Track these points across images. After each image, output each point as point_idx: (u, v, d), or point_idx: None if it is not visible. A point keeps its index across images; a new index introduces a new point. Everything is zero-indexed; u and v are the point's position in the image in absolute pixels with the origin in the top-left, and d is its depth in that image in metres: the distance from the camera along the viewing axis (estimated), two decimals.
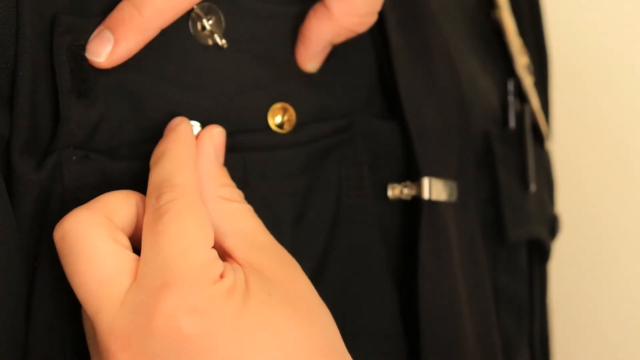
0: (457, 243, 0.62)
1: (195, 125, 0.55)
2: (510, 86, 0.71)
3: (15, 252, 0.50)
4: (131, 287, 0.49)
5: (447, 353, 0.60)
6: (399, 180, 0.61)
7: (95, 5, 0.54)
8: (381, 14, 0.60)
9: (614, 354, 1.14)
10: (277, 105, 0.57)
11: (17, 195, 0.52)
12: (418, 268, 0.59)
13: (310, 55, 0.58)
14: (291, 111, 0.58)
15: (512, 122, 0.71)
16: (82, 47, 0.53)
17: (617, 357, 1.14)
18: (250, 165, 0.55)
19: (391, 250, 0.61)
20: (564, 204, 0.90)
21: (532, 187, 0.71)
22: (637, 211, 1.13)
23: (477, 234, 0.64)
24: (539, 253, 0.74)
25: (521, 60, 0.74)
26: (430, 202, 0.60)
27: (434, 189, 0.60)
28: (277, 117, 0.57)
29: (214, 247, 0.51)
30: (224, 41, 0.56)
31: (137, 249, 0.51)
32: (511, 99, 0.71)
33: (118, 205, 0.51)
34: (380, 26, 0.61)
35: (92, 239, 0.50)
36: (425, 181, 0.60)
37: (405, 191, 0.61)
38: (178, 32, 0.55)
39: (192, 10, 0.55)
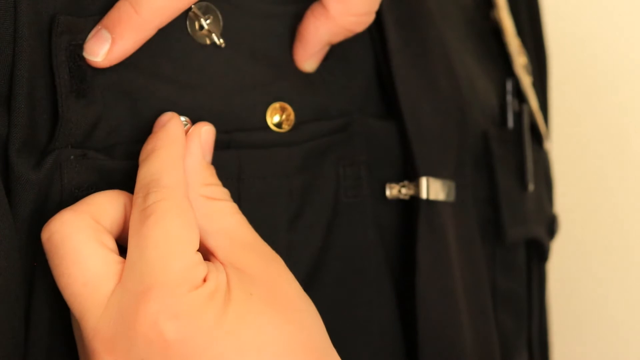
0: (455, 243, 0.62)
1: (185, 122, 0.55)
2: (509, 86, 0.71)
3: (14, 251, 0.51)
4: (115, 289, 0.50)
5: (445, 353, 0.60)
6: (397, 180, 0.61)
7: (93, 4, 0.54)
8: (379, 14, 0.60)
9: (612, 354, 1.14)
10: (276, 105, 0.57)
11: (15, 194, 0.52)
12: (416, 268, 0.59)
13: (308, 54, 0.58)
14: (289, 110, 0.58)
15: (510, 122, 0.71)
16: (80, 47, 0.53)
17: (616, 357, 1.14)
18: (246, 163, 0.55)
19: (389, 250, 0.61)
20: (563, 203, 0.90)
21: (531, 187, 0.71)
22: (636, 211, 1.13)
23: (476, 234, 0.64)
24: (538, 253, 0.74)
25: (519, 60, 0.74)
26: (428, 202, 0.60)
27: (431, 189, 0.60)
28: (276, 117, 0.57)
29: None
30: (221, 40, 0.56)
31: (125, 248, 0.52)
32: (509, 98, 0.71)
33: (105, 206, 0.52)
34: (378, 26, 0.61)
35: (77, 242, 0.50)
36: (423, 181, 0.60)
37: (403, 191, 0.61)
38: (176, 31, 0.55)
39: (189, 9, 0.55)
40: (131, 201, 0.52)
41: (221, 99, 0.56)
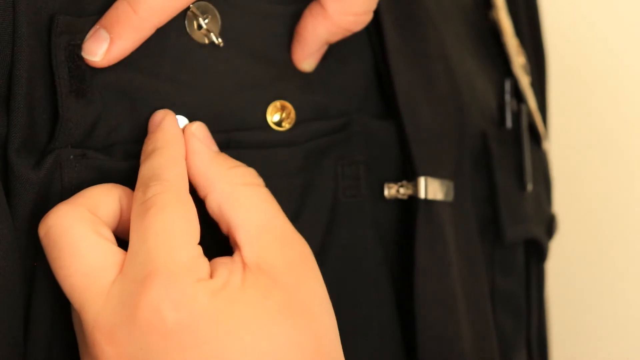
0: (453, 242, 0.62)
1: (180, 119, 0.55)
2: (507, 86, 0.71)
3: (14, 251, 0.51)
4: (116, 279, 0.50)
5: (445, 352, 0.60)
6: (396, 179, 0.61)
7: (92, 4, 0.54)
8: (378, 14, 0.60)
9: (611, 354, 1.14)
10: (276, 103, 0.57)
11: (15, 194, 0.52)
12: (414, 267, 0.59)
13: (306, 54, 0.58)
14: (290, 109, 0.58)
15: (509, 122, 0.71)
16: (79, 47, 0.53)
17: (615, 357, 1.14)
18: (245, 162, 0.55)
19: (388, 249, 0.61)
20: (561, 203, 0.90)
21: (529, 187, 0.71)
22: (635, 210, 1.13)
23: (474, 234, 0.64)
24: (536, 253, 0.74)
25: (518, 60, 0.74)
26: (427, 202, 0.60)
27: (430, 189, 0.60)
28: (276, 115, 0.57)
29: (226, 237, 0.52)
30: (220, 40, 0.56)
31: (121, 241, 0.52)
32: (508, 98, 0.71)
33: (101, 199, 0.52)
34: (376, 26, 0.61)
35: (76, 233, 0.50)
36: (422, 181, 0.60)
37: (402, 191, 0.61)
38: (174, 30, 0.55)
39: (188, 9, 0.56)
40: (125, 194, 0.52)
41: (220, 98, 0.56)
